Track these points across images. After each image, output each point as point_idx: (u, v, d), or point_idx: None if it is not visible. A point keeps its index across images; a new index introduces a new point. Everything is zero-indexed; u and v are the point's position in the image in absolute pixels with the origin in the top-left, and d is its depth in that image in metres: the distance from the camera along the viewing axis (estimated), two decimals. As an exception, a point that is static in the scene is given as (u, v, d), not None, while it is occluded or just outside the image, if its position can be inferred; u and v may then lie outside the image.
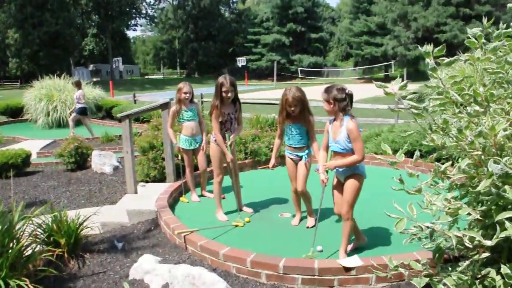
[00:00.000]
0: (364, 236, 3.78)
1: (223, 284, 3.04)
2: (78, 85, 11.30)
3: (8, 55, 47.23)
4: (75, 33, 47.30)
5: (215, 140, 4.51)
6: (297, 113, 4.08)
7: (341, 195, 3.52)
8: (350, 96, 3.38)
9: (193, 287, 3.02)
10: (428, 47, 2.69)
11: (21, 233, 3.47)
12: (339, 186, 3.56)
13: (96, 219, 4.44)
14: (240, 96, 4.70)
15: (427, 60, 2.72)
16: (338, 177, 3.56)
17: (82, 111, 11.02)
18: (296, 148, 4.18)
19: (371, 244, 3.79)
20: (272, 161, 4.48)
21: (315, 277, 3.17)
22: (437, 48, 2.67)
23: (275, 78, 40.44)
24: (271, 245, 3.87)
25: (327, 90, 3.42)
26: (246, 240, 4.01)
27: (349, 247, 3.71)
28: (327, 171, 3.56)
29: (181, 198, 5.31)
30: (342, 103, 3.34)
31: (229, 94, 4.37)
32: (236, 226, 4.35)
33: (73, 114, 11.07)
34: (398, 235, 3.83)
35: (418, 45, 3.35)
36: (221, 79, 4.39)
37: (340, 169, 3.46)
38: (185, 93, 5.04)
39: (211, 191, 5.33)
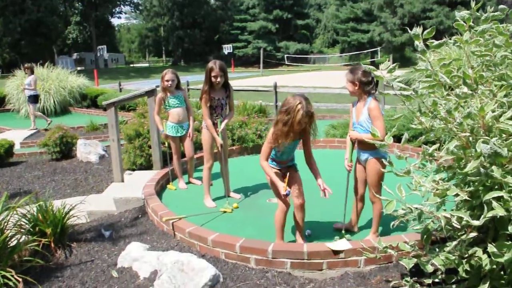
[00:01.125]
0: (357, 226, 3.81)
1: (212, 270, 3.03)
2: (30, 70, 10.85)
3: (-11, 44, 46.20)
4: (57, 21, 46.29)
5: (206, 126, 4.47)
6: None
7: (362, 178, 3.61)
8: (376, 81, 3.37)
9: (182, 273, 3.00)
10: (418, 30, 2.67)
11: (5, 224, 3.41)
12: (360, 172, 3.61)
13: (83, 208, 4.38)
14: None
15: (416, 42, 2.70)
16: (360, 162, 3.58)
17: (35, 99, 10.71)
18: (288, 160, 3.61)
19: (359, 227, 3.82)
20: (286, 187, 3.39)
21: (304, 260, 3.17)
22: (426, 31, 2.65)
23: (261, 65, 40.26)
24: (259, 230, 3.87)
25: (353, 71, 3.42)
26: (235, 226, 4.00)
27: (340, 225, 3.77)
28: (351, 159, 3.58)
29: (168, 186, 5.27)
30: (366, 87, 3.36)
31: (219, 79, 4.33)
32: (224, 212, 4.34)
33: (30, 106, 10.75)
34: (387, 218, 3.86)
35: (408, 28, 3.33)
36: (210, 64, 4.34)
37: (362, 154, 3.50)
38: (167, 80, 4.98)
39: (198, 178, 5.30)
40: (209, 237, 3.47)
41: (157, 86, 5.68)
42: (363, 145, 3.46)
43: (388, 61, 2.91)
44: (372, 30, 45.71)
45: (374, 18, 46.37)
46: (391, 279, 3.02)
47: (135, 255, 3.39)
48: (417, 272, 3.00)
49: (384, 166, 3.39)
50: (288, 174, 3.47)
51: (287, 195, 3.31)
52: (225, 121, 4.54)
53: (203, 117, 4.47)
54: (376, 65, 2.99)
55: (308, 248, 3.19)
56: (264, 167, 3.38)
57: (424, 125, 2.74)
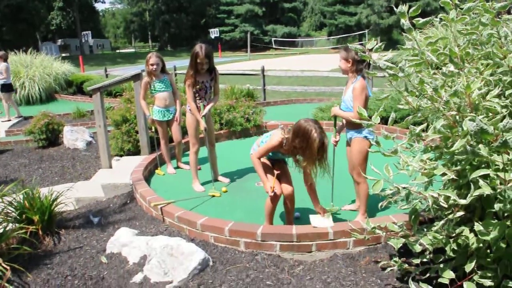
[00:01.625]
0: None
1: (201, 254, 3.03)
2: (2, 57, 10.18)
3: (-33, 31, 45.08)
4: (40, 6, 45.27)
5: (190, 110, 4.42)
6: None
7: (350, 158, 3.66)
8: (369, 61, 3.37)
9: (171, 258, 3.00)
10: (404, 7, 2.65)
11: (-9, 212, 3.37)
12: (349, 152, 3.68)
13: (71, 195, 4.34)
14: None
15: (402, 21, 2.68)
16: (348, 142, 3.67)
17: (7, 88, 10.16)
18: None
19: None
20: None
21: (293, 243, 3.18)
22: (412, 8, 2.63)
23: (248, 49, 40.00)
24: (248, 213, 3.88)
25: (347, 49, 3.46)
26: (224, 209, 4.00)
27: (349, 206, 3.83)
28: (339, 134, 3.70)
29: (156, 171, 5.24)
30: (359, 65, 3.40)
31: (204, 66, 4.29)
32: (213, 196, 4.33)
33: (2, 95, 10.24)
34: (374, 199, 3.88)
35: (394, 7, 3.30)
36: (197, 48, 4.26)
37: (348, 133, 3.58)
38: (152, 64, 4.91)
39: (186, 163, 5.27)
40: (198, 221, 3.46)
41: (143, 71, 5.60)
42: (348, 124, 3.55)
43: (375, 41, 2.88)
44: (359, 13, 45.61)
45: (361, 1, 46.23)
46: (380, 259, 3.05)
47: (124, 241, 3.37)
48: (406, 252, 3.03)
49: (368, 146, 3.44)
50: (276, 172, 3.47)
51: (274, 195, 3.35)
52: (210, 105, 4.49)
53: (187, 101, 4.42)
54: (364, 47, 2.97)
55: (297, 230, 3.20)
56: (256, 164, 3.39)
57: (411, 105, 2.74)
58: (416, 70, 2.85)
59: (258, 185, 4.63)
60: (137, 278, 2.99)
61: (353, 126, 3.47)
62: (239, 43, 56.12)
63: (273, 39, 50.25)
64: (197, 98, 4.42)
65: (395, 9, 2.80)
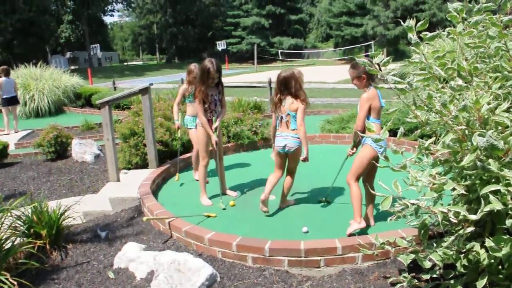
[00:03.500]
0: (371, 220, 3.80)
1: (209, 269, 3.01)
2: (3, 71, 10.17)
3: (-19, 45, 45.79)
4: (50, 20, 45.92)
5: (201, 124, 4.46)
6: None
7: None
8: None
9: (178, 273, 2.98)
10: (411, 22, 2.65)
11: (0, 226, 3.37)
12: None
13: (78, 209, 4.34)
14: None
15: (410, 35, 2.68)
16: None
17: (4, 102, 10.18)
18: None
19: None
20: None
21: (302, 258, 3.16)
22: (420, 23, 2.63)
23: (255, 61, 40.16)
24: (256, 228, 3.85)
25: (356, 66, 3.51)
26: (231, 224, 3.98)
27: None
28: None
29: (175, 176, 5.42)
30: (372, 76, 3.46)
31: (215, 80, 4.40)
32: (208, 216, 4.18)
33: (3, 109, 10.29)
34: (382, 214, 3.85)
35: (401, 21, 3.31)
36: (208, 64, 4.33)
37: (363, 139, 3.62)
38: (195, 77, 5.00)
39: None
40: (206, 236, 3.45)
41: (151, 84, 5.71)
42: (358, 131, 3.59)
43: (382, 54, 2.89)
44: (365, 24, 45.66)
45: (367, 12, 46.30)
46: (389, 275, 3.01)
47: (132, 256, 3.36)
48: (415, 267, 2.99)
49: (372, 156, 3.46)
50: None
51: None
52: (219, 118, 4.54)
53: (198, 115, 4.44)
54: (368, 59, 2.97)
55: (305, 245, 3.17)
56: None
57: (420, 119, 2.73)
58: (424, 84, 2.84)
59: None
60: (145, 293, 2.97)
61: (363, 131, 3.53)
62: (246, 55, 56.38)
63: (279, 51, 50.47)
64: (208, 112, 4.45)
65: (402, 23, 2.80)
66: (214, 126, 4.45)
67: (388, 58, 2.80)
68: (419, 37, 2.72)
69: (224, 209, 4.37)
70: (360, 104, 3.51)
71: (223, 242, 3.35)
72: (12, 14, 40.79)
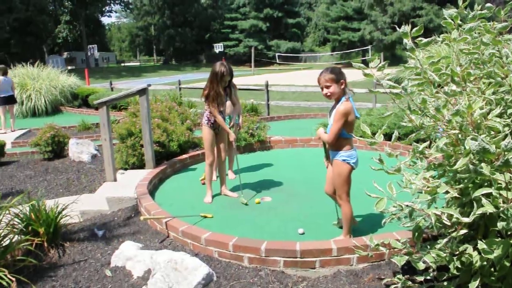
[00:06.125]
0: (355, 219, 3.80)
1: (205, 269, 3.05)
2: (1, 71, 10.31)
3: (-24, 43, 45.68)
4: (47, 20, 45.86)
5: (208, 123, 4.61)
6: None
7: (329, 177, 3.59)
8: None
9: (175, 272, 3.01)
10: (406, 28, 2.71)
11: (-2, 224, 3.40)
12: (329, 171, 3.60)
13: (76, 208, 4.37)
14: None
15: (405, 40, 2.73)
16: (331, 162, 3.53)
17: (2, 101, 10.29)
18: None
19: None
20: None
21: (297, 259, 3.20)
22: (415, 29, 2.69)
23: (252, 64, 40.27)
24: (252, 229, 3.89)
25: (335, 71, 3.29)
26: (227, 224, 4.01)
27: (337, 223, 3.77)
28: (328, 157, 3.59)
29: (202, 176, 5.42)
30: (345, 83, 3.31)
31: (226, 83, 4.58)
32: (205, 217, 4.21)
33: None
34: (377, 216, 3.90)
35: (396, 26, 3.36)
36: (222, 68, 4.44)
37: (330, 153, 3.46)
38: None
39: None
40: (202, 236, 3.48)
41: (149, 85, 5.74)
42: (329, 145, 3.43)
43: (378, 59, 2.93)
44: (362, 29, 45.92)
45: (364, 17, 46.56)
46: (384, 276, 3.06)
47: (129, 254, 3.39)
48: (409, 269, 3.04)
49: (349, 169, 3.36)
50: None
51: None
52: (234, 116, 5.08)
53: (213, 115, 4.55)
54: (367, 63, 3.01)
55: (301, 246, 3.21)
56: None
57: (414, 123, 2.77)
58: (418, 89, 2.90)
59: (262, 200, 4.65)
60: (141, 292, 3.00)
61: (333, 146, 3.38)
62: (243, 58, 56.54)
63: (277, 54, 50.59)
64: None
65: (398, 29, 2.86)
66: (233, 123, 4.90)
67: (384, 63, 2.84)
68: (415, 43, 2.77)
69: (246, 204, 4.49)
70: (336, 118, 3.24)
71: (220, 242, 3.39)
72: (9, 13, 40.70)
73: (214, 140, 4.68)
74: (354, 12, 49.12)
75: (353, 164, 3.36)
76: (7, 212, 3.59)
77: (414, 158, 2.88)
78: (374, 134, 2.94)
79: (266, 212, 4.32)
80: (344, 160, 3.34)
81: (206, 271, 3.02)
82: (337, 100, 3.32)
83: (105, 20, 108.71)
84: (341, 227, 3.66)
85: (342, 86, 3.29)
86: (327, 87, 3.29)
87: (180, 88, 14.12)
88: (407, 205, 2.48)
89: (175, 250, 3.49)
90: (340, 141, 3.32)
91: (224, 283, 3.07)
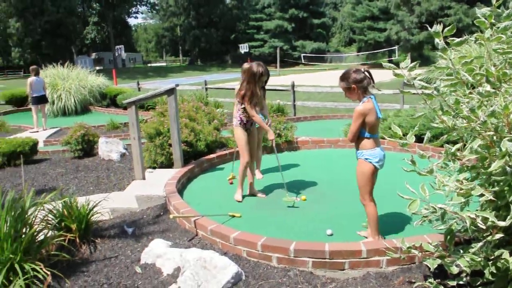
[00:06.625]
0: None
1: (234, 268, 3.07)
2: (33, 71, 10.65)
3: (11, 45, 47.14)
4: (76, 21, 47.10)
5: (241, 123, 4.65)
6: None
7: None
8: (369, 74, 3.34)
9: (204, 270, 3.05)
10: (438, 27, 2.67)
11: (33, 219, 3.50)
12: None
13: (106, 205, 4.46)
14: None
15: (437, 40, 2.69)
16: None
17: (32, 100, 10.61)
18: None
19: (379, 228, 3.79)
20: None
21: (326, 260, 3.18)
22: (447, 28, 2.64)
23: (278, 64, 40.24)
24: (280, 229, 3.89)
25: (344, 77, 3.35)
26: (255, 224, 4.02)
27: (362, 233, 3.71)
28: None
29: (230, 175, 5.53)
30: (363, 83, 3.29)
31: (263, 84, 4.65)
32: (233, 216, 4.24)
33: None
34: (406, 219, 3.86)
35: (428, 26, 3.31)
36: (259, 68, 4.48)
37: (356, 152, 3.49)
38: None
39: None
40: (231, 235, 3.51)
41: (177, 85, 5.81)
42: (354, 144, 3.48)
43: (408, 59, 2.89)
44: (389, 29, 45.30)
45: (391, 17, 45.92)
46: (414, 280, 3.01)
47: (158, 252, 3.44)
48: (441, 273, 2.99)
49: (372, 169, 3.35)
50: None
51: None
52: (268, 116, 5.03)
53: (251, 115, 4.56)
54: (393, 64, 2.96)
55: (330, 247, 3.20)
56: None
57: (446, 124, 2.73)
58: (450, 89, 2.85)
59: (294, 200, 4.65)
60: (171, 289, 3.05)
61: (356, 146, 3.43)
62: (269, 58, 56.51)
63: (302, 54, 50.42)
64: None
65: (429, 28, 2.82)
66: (269, 123, 4.84)
67: (415, 63, 2.81)
68: (446, 43, 2.73)
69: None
70: (353, 117, 3.29)
71: (248, 242, 3.41)
72: (41, 15, 41.89)
73: (248, 140, 4.69)
74: (380, 12, 48.53)
75: (375, 163, 3.34)
76: (41, 208, 3.69)
77: (446, 160, 2.84)
78: (403, 135, 2.91)
79: (294, 212, 4.32)
80: (366, 159, 3.34)
81: (235, 270, 3.04)
82: (360, 101, 3.34)
83: (131, 21, 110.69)
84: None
85: (356, 91, 3.31)
86: (344, 91, 3.42)
87: (206, 89, 14.23)
88: (440, 207, 2.44)
89: (204, 248, 3.53)
90: (362, 140, 3.35)
91: (252, 282, 3.08)
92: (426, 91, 2.75)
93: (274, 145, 4.70)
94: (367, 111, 3.25)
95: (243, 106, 4.61)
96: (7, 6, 42.70)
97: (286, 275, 3.16)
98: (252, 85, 4.48)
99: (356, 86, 3.29)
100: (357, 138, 3.37)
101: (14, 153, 6.84)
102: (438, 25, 2.72)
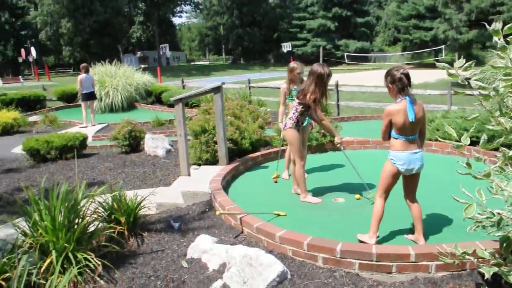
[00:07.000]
0: (421, 239, 3.56)
1: (280, 266, 3.06)
2: (83, 69, 11.16)
3: (62, 44, 49.18)
4: (123, 21, 48.57)
5: (297, 125, 4.59)
6: None
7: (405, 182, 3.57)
8: (406, 76, 3.28)
9: (250, 267, 3.06)
10: (498, 25, 2.56)
11: (85, 211, 3.63)
12: None
13: (153, 200, 4.57)
14: None
15: (495, 38, 2.58)
16: None
17: (82, 97, 11.10)
18: None
19: (427, 232, 3.66)
20: None
21: (373, 262, 3.13)
22: (507, 26, 2.53)
23: (321, 64, 39.83)
24: (324, 229, 3.85)
25: (387, 75, 3.37)
26: (299, 224, 4.00)
27: (409, 237, 3.62)
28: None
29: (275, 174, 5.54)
30: (398, 85, 3.28)
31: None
32: (278, 215, 4.22)
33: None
34: (455, 223, 3.73)
35: (485, 24, 3.18)
36: (325, 69, 4.40)
37: None
38: (299, 73, 5.18)
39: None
40: (277, 234, 3.51)
41: (223, 83, 5.88)
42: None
43: (462, 59, 2.79)
44: (436, 28, 43.85)
45: (437, 15, 44.43)
46: (465, 287, 2.91)
47: (204, 247, 3.49)
48: (494, 282, 2.87)
49: (395, 171, 3.36)
50: None
51: None
52: None
53: (320, 119, 4.55)
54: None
55: (377, 250, 3.14)
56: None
57: (504, 126, 2.62)
58: (508, 90, 2.73)
59: (335, 201, 4.61)
60: (217, 284, 3.07)
61: (389, 145, 3.47)
62: (311, 58, 55.98)
63: (345, 54, 49.75)
64: (305, 115, 4.69)
65: (487, 27, 2.70)
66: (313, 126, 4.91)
67: (471, 62, 2.71)
68: (506, 41, 2.61)
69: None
70: (383, 116, 3.40)
71: (294, 241, 3.39)
72: (90, 16, 43.48)
73: (301, 140, 4.67)
74: (426, 10, 47.07)
75: (398, 166, 3.33)
76: (92, 200, 3.82)
77: (503, 163, 2.72)
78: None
79: (339, 213, 4.27)
80: (391, 159, 3.38)
81: (280, 269, 3.04)
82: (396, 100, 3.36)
83: (176, 20, 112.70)
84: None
85: (392, 91, 3.34)
86: (387, 89, 3.42)
87: (249, 87, 14.30)
88: (498, 213, 2.34)
89: (249, 246, 3.54)
90: (391, 140, 3.39)
91: (298, 281, 3.07)
92: (483, 92, 2.64)
93: (342, 148, 4.73)
94: (394, 112, 3.27)
95: (303, 107, 4.53)
96: (59, 7, 44.54)
97: (331, 276, 3.12)
98: (322, 87, 4.40)
99: (391, 85, 3.31)
100: (389, 137, 3.42)
101: (65, 147, 7.13)
102: (498, 22, 2.61)
